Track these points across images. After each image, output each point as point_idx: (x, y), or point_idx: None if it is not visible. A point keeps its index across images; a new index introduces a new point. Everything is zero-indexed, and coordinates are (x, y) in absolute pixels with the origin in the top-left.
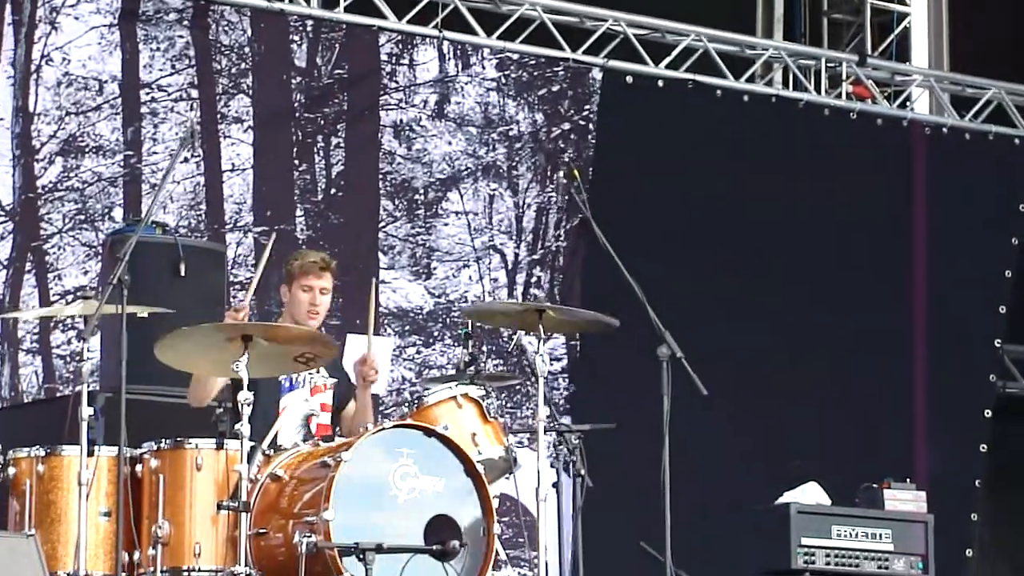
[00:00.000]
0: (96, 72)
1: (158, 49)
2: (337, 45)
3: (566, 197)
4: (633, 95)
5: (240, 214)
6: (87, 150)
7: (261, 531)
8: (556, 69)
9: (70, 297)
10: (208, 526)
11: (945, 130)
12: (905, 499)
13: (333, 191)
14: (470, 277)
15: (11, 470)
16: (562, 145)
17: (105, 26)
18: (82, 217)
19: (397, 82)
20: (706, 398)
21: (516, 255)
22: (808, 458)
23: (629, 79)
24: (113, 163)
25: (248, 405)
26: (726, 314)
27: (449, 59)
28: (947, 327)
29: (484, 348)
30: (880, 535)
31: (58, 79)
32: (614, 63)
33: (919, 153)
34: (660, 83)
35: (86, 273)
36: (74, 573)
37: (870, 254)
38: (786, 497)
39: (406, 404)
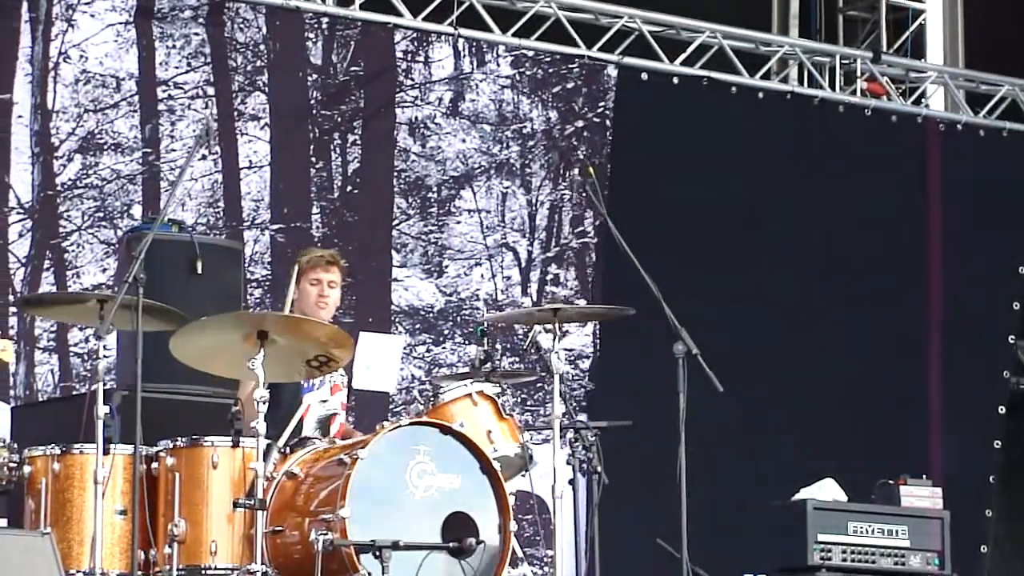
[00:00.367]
0: (113, 69)
1: (174, 47)
2: (352, 43)
3: (581, 194)
4: (648, 92)
5: (258, 211)
6: (105, 147)
7: (277, 529)
8: (571, 66)
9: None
10: (224, 524)
11: (959, 127)
12: (921, 495)
13: (349, 188)
14: (482, 275)
15: (27, 468)
16: (575, 143)
17: (121, 23)
18: (101, 214)
19: (412, 79)
20: (722, 395)
21: (529, 253)
22: (824, 455)
23: (644, 76)
24: (132, 160)
25: (264, 403)
26: (741, 311)
27: (464, 56)
28: (961, 323)
29: (499, 345)
30: (896, 531)
31: (76, 76)
32: (629, 60)
33: (933, 150)
34: (675, 80)
35: (104, 271)
36: (90, 571)
37: (884, 250)
38: (802, 493)
39: (416, 402)
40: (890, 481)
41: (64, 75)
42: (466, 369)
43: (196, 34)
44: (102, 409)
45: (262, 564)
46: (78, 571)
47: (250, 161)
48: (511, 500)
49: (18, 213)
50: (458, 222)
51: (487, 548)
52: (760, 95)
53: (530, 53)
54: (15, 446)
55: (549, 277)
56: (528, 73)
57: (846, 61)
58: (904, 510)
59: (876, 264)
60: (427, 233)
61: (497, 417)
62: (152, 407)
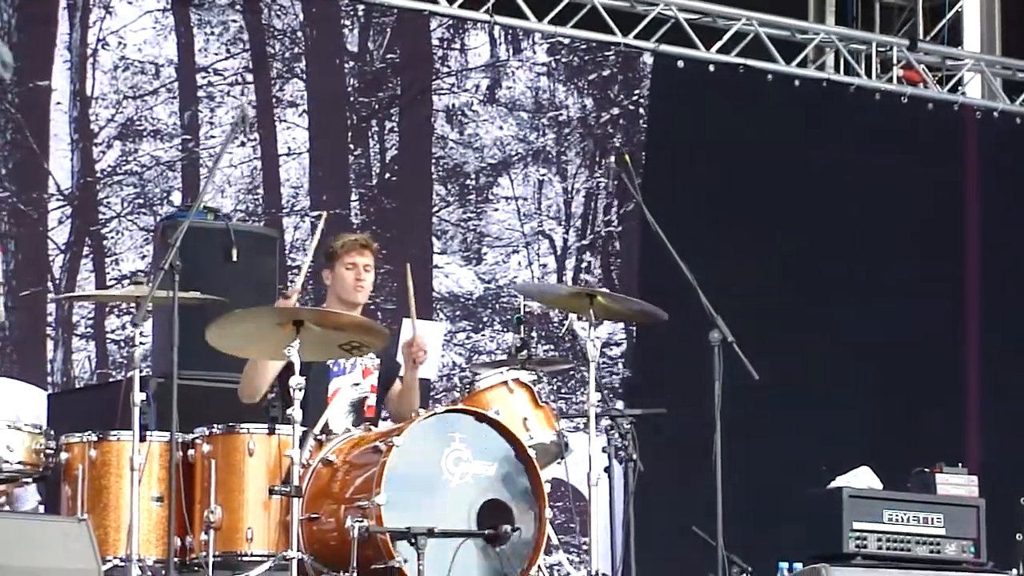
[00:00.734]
0: (152, 56)
1: (212, 33)
2: (388, 30)
3: (616, 182)
4: (684, 80)
5: (297, 198)
6: (145, 134)
7: (313, 516)
8: (607, 54)
9: (126, 282)
10: (260, 511)
11: (996, 114)
12: (957, 483)
13: (387, 175)
14: (519, 263)
15: (63, 455)
16: (611, 130)
17: (159, 10)
18: (140, 201)
19: (449, 66)
20: (757, 382)
21: (565, 240)
22: (860, 443)
23: (680, 64)
24: (171, 147)
25: (300, 390)
26: (777, 298)
27: (500, 44)
28: (999, 310)
29: (536, 333)
30: (932, 519)
31: (114, 63)
32: (665, 48)
33: (970, 137)
34: (711, 68)
35: (144, 258)
36: (126, 558)
37: (922, 238)
38: (838, 481)
39: (456, 389)
40: (926, 469)
41: (103, 62)
42: (504, 357)
43: (234, 21)
44: (138, 396)
45: (298, 551)
46: (114, 557)
47: (289, 148)
48: (546, 488)
49: (57, 200)
50: (496, 209)
51: (522, 535)
52: (796, 83)
53: (566, 40)
54: (52, 433)
55: (584, 265)
56: (564, 60)
57: (882, 49)
58: (940, 498)
59: (913, 251)
60: (466, 220)
61: (533, 405)
62: (188, 394)
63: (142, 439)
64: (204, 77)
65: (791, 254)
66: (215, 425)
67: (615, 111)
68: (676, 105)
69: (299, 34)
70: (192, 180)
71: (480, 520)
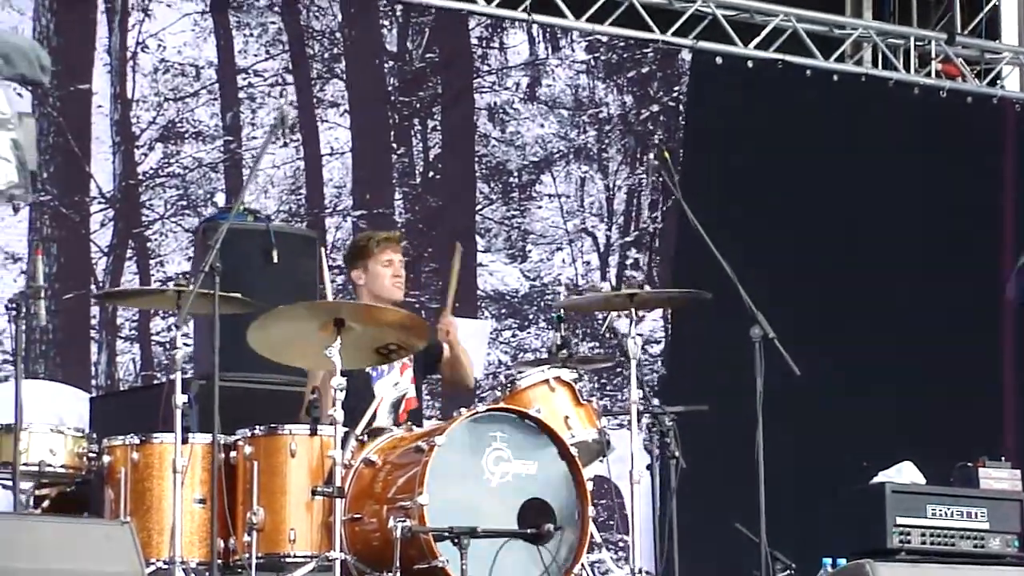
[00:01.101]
0: (192, 58)
1: (251, 35)
2: (427, 29)
3: (656, 179)
4: (722, 76)
5: (340, 198)
6: (187, 136)
7: (355, 516)
8: (645, 51)
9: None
10: (303, 512)
11: None
12: (1000, 477)
13: (431, 174)
14: (563, 260)
15: (106, 458)
16: (651, 127)
17: (198, 13)
18: (184, 203)
19: (489, 65)
20: (798, 378)
21: (608, 237)
22: (902, 438)
23: (718, 60)
24: (213, 148)
25: (341, 391)
26: (816, 293)
27: (539, 42)
28: None
29: (577, 331)
30: (975, 514)
31: (155, 65)
32: (703, 44)
33: (1009, 131)
34: (749, 64)
35: (188, 259)
36: (170, 560)
37: (960, 231)
38: (881, 477)
39: (499, 388)
40: (969, 464)
41: (143, 64)
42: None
43: (272, 23)
44: (180, 398)
45: (341, 551)
46: (158, 560)
47: (331, 148)
48: (588, 486)
49: (100, 203)
50: (539, 207)
51: (565, 534)
52: (835, 78)
53: (604, 38)
54: (94, 436)
55: (629, 262)
56: (603, 58)
57: (920, 43)
58: (983, 492)
59: (951, 245)
60: (510, 218)
61: (574, 403)
62: (230, 396)
63: (184, 441)
64: (244, 78)
65: (830, 248)
66: (257, 426)
67: (655, 108)
68: (715, 101)
69: (338, 35)
70: (235, 181)
71: (522, 519)
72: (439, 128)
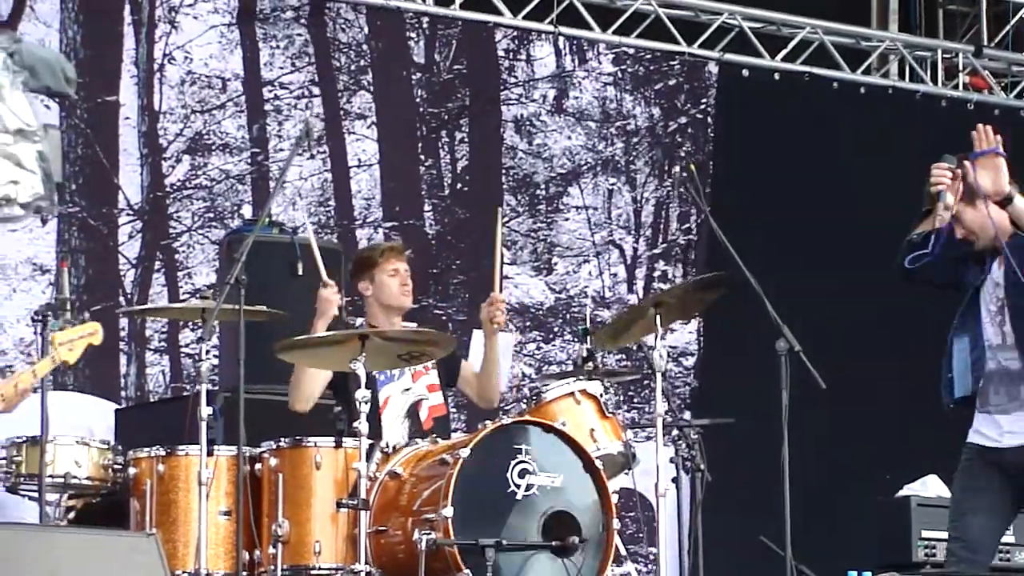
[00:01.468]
0: (219, 70)
1: (278, 47)
2: (454, 41)
3: (683, 192)
4: (749, 88)
5: (369, 210)
6: (214, 148)
7: (380, 529)
8: (672, 63)
9: (197, 296)
10: (328, 524)
11: None
12: None
13: (459, 186)
14: (590, 272)
15: (132, 470)
16: (679, 139)
17: (224, 25)
18: (211, 215)
19: (516, 77)
20: (824, 392)
21: (635, 250)
22: (927, 451)
23: (745, 72)
24: (240, 160)
25: (366, 403)
26: (844, 307)
27: (565, 55)
28: None
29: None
30: None
31: (181, 77)
32: (730, 56)
33: None
34: (776, 76)
35: (216, 271)
36: (195, 572)
37: None
38: (906, 490)
39: (524, 400)
40: None
41: (169, 76)
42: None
43: (299, 35)
44: (205, 410)
45: (366, 564)
46: (183, 572)
47: (359, 159)
48: (614, 498)
49: (128, 214)
50: (566, 219)
51: (590, 547)
52: (862, 90)
53: (631, 51)
54: (119, 448)
55: (656, 274)
56: (630, 71)
57: (947, 55)
58: None
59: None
60: (536, 230)
61: (600, 415)
62: (254, 408)
63: (209, 453)
64: (271, 91)
65: (857, 261)
66: (282, 439)
67: (682, 120)
68: (742, 113)
69: (364, 47)
70: (262, 193)
71: (547, 532)
72: (466, 140)
